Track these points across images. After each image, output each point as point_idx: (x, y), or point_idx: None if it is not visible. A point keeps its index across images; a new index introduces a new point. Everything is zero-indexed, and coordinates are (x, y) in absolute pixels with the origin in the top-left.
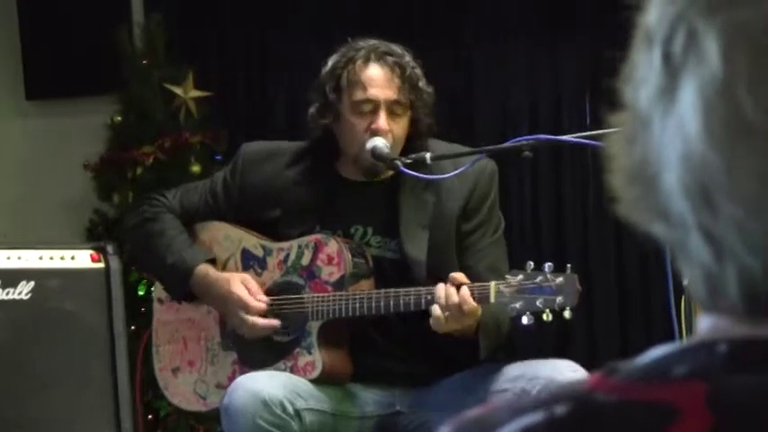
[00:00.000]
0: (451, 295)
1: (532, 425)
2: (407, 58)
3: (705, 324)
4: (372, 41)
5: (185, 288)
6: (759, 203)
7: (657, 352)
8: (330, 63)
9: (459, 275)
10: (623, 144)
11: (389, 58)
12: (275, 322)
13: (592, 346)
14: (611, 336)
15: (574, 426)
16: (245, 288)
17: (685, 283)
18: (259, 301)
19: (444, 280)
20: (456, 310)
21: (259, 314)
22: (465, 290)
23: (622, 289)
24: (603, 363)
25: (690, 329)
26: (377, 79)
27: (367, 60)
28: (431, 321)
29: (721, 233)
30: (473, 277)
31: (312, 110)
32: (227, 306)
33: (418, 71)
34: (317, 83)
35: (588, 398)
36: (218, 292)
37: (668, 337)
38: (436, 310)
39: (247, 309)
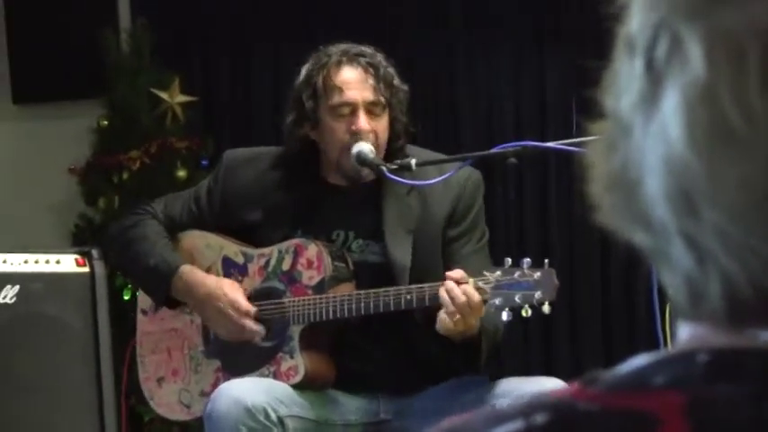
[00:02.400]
0: (457, 296)
1: None
2: (379, 57)
3: (685, 333)
4: (343, 45)
5: (167, 289)
6: (741, 210)
7: (637, 361)
8: (303, 71)
9: (455, 273)
10: (604, 151)
11: (362, 59)
12: (262, 329)
13: (576, 352)
14: (594, 343)
15: None
16: (237, 291)
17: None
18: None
19: None
20: (464, 308)
21: (249, 317)
22: (467, 287)
23: (607, 297)
24: (586, 370)
25: (675, 337)
26: (352, 81)
27: (339, 64)
28: (437, 326)
29: (703, 239)
30: None
31: (289, 121)
32: (214, 305)
33: (391, 70)
34: (292, 93)
35: (568, 406)
36: (206, 291)
37: (652, 344)
38: (444, 316)
39: (239, 309)
